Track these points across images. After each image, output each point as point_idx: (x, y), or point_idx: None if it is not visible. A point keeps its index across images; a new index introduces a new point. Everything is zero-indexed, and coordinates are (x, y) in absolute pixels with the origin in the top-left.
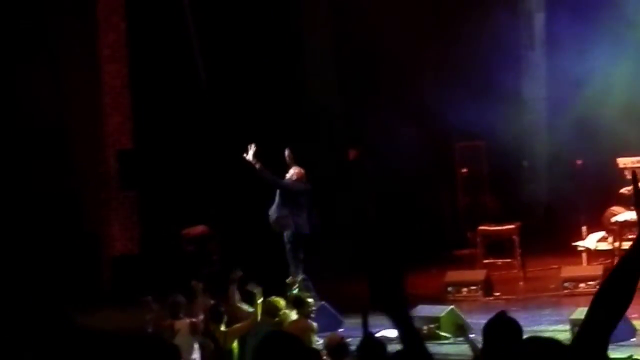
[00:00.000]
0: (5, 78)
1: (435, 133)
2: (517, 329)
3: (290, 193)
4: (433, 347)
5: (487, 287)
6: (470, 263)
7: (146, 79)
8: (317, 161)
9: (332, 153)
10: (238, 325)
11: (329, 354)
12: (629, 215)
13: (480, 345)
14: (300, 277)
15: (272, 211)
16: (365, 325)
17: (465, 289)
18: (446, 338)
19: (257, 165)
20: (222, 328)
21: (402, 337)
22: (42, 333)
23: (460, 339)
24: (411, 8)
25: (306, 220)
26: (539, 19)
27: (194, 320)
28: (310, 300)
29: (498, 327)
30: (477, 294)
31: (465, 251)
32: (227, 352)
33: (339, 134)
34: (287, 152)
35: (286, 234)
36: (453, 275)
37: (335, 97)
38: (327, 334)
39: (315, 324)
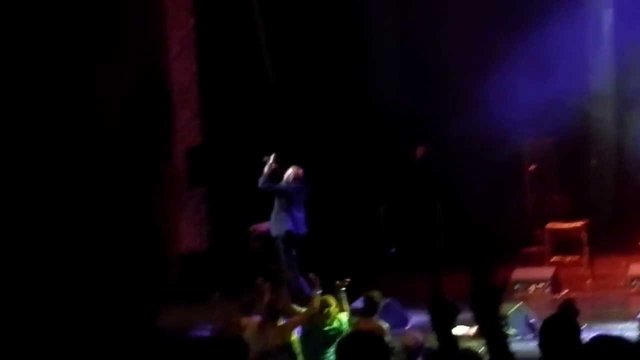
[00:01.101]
0: (73, 77)
1: (503, 130)
2: (575, 326)
3: (285, 195)
4: None
5: (555, 284)
6: (537, 261)
7: (214, 76)
8: (383, 160)
9: (398, 152)
10: (292, 319)
11: (405, 353)
12: None
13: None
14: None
15: (272, 217)
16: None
17: (532, 287)
18: (514, 335)
19: (274, 167)
20: (278, 323)
21: (486, 334)
22: (120, 332)
23: (528, 336)
24: (477, 3)
25: (303, 220)
26: (607, 16)
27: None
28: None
29: (556, 324)
30: (544, 292)
31: (533, 249)
32: (285, 345)
33: (405, 132)
34: (272, 158)
35: (280, 234)
36: (520, 273)
37: (401, 95)
38: (395, 331)
39: (386, 325)
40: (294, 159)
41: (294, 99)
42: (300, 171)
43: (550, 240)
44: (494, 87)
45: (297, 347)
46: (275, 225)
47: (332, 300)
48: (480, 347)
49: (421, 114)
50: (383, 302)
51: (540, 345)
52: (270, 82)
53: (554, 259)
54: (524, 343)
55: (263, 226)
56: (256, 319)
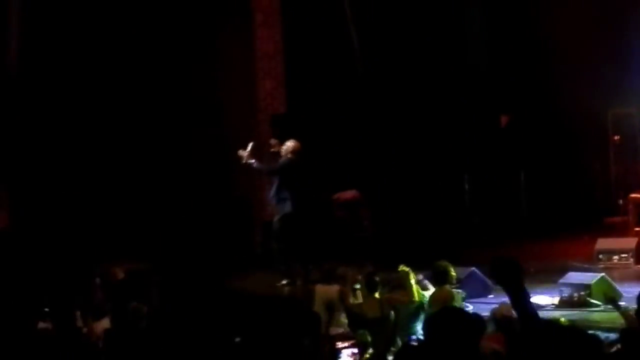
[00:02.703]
0: (162, 44)
1: (589, 100)
2: None
3: (285, 173)
4: (583, 314)
5: (639, 254)
6: (621, 231)
7: (298, 44)
8: (469, 129)
9: (483, 120)
10: (396, 295)
11: (497, 324)
12: None
13: (632, 312)
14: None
15: (272, 196)
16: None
17: (616, 257)
18: (597, 305)
19: (254, 164)
20: (377, 295)
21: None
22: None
23: (611, 306)
24: None
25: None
26: None
27: (342, 288)
28: (452, 272)
29: None
30: (628, 262)
31: (617, 219)
32: (384, 318)
33: (492, 101)
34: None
35: (281, 213)
36: (604, 243)
37: (489, 65)
38: (478, 300)
39: (460, 292)
40: (380, 129)
41: (378, 68)
42: (299, 144)
43: (634, 210)
44: (581, 58)
45: (392, 321)
46: (278, 206)
47: (412, 276)
48: (561, 318)
49: (507, 83)
50: (466, 271)
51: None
52: (354, 51)
53: (638, 228)
54: (606, 314)
55: (347, 194)
56: (335, 287)
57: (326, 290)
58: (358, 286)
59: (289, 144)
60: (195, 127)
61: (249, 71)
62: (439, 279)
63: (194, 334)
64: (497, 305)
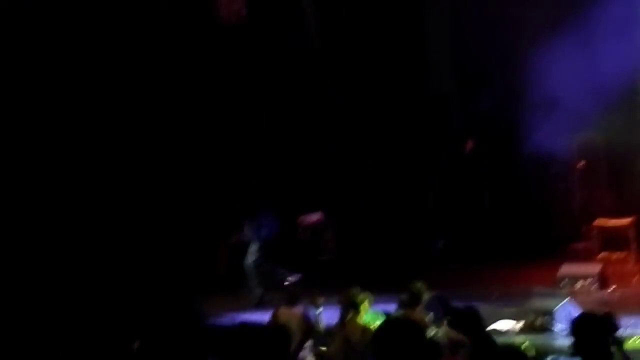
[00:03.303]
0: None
1: (554, 125)
2: (611, 326)
3: None
4: (546, 340)
5: (602, 280)
6: (585, 256)
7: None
8: (434, 152)
9: (448, 144)
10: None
11: (449, 348)
12: None
13: None
14: None
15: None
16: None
17: (579, 282)
18: (560, 331)
19: None
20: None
21: None
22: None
23: None
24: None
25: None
26: None
27: (306, 309)
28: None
29: (588, 324)
30: (592, 288)
31: (581, 245)
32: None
33: (455, 125)
34: None
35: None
36: (568, 268)
37: (453, 88)
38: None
39: (430, 315)
40: (344, 150)
41: (341, 88)
42: None
43: (598, 237)
44: (543, 82)
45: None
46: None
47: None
48: (524, 343)
49: (471, 107)
50: (430, 295)
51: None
52: (319, 70)
53: (602, 255)
54: (570, 339)
55: (312, 217)
56: (299, 310)
57: (289, 313)
58: (319, 310)
59: None
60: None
61: None
62: (412, 301)
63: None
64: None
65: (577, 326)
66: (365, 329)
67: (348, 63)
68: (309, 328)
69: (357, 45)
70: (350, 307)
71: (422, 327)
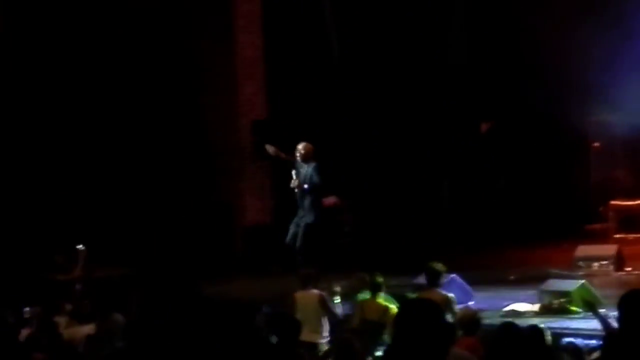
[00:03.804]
0: (143, 50)
1: (569, 107)
2: None
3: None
4: (563, 322)
5: (619, 261)
6: (602, 237)
7: (279, 49)
8: (450, 134)
9: (464, 126)
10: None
11: (462, 328)
12: None
13: (611, 320)
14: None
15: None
16: None
17: (596, 264)
18: (577, 313)
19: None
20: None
21: None
22: (171, 299)
23: (591, 313)
24: None
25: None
26: None
27: (322, 293)
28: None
29: (634, 299)
30: (608, 269)
31: (597, 226)
32: (381, 324)
33: (473, 107)
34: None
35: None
36: (584, 250)
37: (471, 70)
38: (458, 306)
39: (452, 295)
40: (361, 135)
41: (358, 72)
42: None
43: (614, 217)
44: (560, 63)
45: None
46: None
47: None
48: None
49: (487, 89)
50: (447, 276)
51: (620, 320)
52: (334, 55)
53: (618, 235)
54: (586, 320)
55: (328, 200)
56: (314, 293)
57: (305, 297)
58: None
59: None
60: (177, 132)
61: (229, 76)
62: (431, 280)
63: (172, 342)
64: (461, 310)
65: (626, 301)
66: (384, 309)
67: (364, 46)
68: (326, 309)
69: (374, 24)
70: (369, 288)
71: (440, 309)
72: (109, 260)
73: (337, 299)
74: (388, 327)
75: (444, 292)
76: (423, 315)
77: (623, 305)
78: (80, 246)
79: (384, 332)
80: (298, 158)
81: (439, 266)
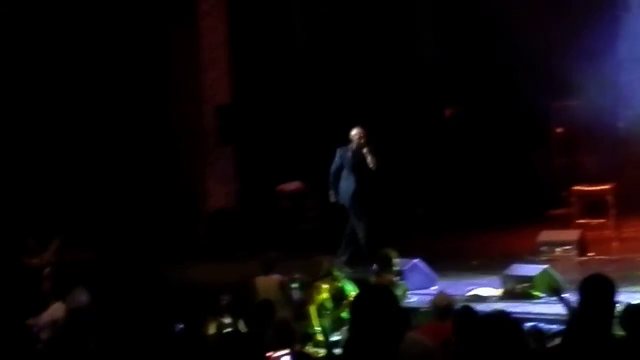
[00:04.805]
0: (105, 34)
1: (531, 92)
2: (612, 285)
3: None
4: (526, 307)
5: (581, 247)
6: (564, 223)
7: (244, 34)
8: (415, 118)
9: (429, 111)
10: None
11: (436, 313)
12: None
13: (574, 305)
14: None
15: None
16: None
17: (559, 249)
18: (539, 297)
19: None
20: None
21: None
22: (135, 285)
23: (554, 298)
24: None
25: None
26: None
27: (283, 278)
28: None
29: (594, 283)
30: (571, 254)
31: (560, 211)
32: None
33: (437, 92)
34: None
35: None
36: (547, 235)
37: (434, 55)
38: (421, 292)
39: (396, 279)
40: (323, 117)
41: (323, 58)
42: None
43: (577, 203)
44: (522, 50)
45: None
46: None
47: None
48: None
49: (451, 75)
50: (410, 262)
51: (580, 303)
52: (299, 39)
53: (581, 221)
54: (549, 305)
55: (292, 185)
56: (275, 277)
57: (266, 281)
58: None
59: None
60: (140, 117)
61: (193, 61)
62: (382, 266)
63: (133, 324)
64: (436, 295)
65: (586, 285)
66: (340, 294)
67: (329, 30)
68: (285, 294)
69: (338, 9)
70: (324, 274)
71: (394, 296)
72: (78, 244)
73: (296, 285)
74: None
75: (392, 278)
76: (377, 301)
77: (583, 289)
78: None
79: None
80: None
81: (390, 252)
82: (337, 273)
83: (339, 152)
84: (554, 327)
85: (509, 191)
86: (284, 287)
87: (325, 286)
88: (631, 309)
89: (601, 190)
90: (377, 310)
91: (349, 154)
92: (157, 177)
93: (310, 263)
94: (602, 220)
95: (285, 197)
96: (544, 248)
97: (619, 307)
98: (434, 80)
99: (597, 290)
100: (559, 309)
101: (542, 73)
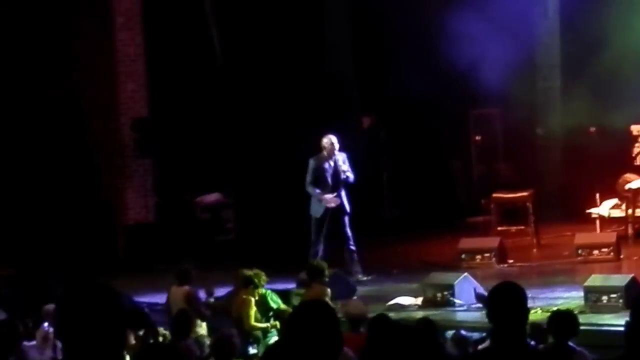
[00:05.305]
0: (20, 46)
1: (450, 101)
2: (522, 292)
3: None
4: (446, 315)
5: (501, 254)
6: (484, 230)
7: (160, 47)
8: (332, 129)
9: (347, 121)
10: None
11: (349, 321)
12: None
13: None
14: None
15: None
16: None
17: (479, 256)
18: (460, 305)
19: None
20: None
21: None
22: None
23: (474, 305)
24: None
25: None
26: None
27: (191, 289)
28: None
29: (503, 293)
30: (490, 261)
31: (480, 218)
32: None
33: (354, 102)
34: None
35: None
36: (467, 243)
37: (351, 65)
38: (341, 301)
39: (329, 290)
40: (242, 131)
41: (240, 70)
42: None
43: (496, 210)
44: (440, 58)
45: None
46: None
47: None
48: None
49: (369, 84)
50: (330, 271)
51: (488, 313)
52: (216, 52)
53: (500, 228)
54: (470, 313)
55: (210, 197)
56: (183, 289)
57: (176, 292)
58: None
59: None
60: (57, 130)
61: (110, 74)
62: (312, 276)
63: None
64: (348, 303)
65: (494, 294)
66: (243, 300)
67: (245, 42)
68: (191, 305)
69: (255, 23)
70: (242, 285)
71: (333, 310)
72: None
73: (212, 299)
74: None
75: (323, 287)
76: (318, 319)
77: (491, 298)
78: None
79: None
80: (333, 151)
81: (319, 263)
82: (259, 282)
83: (312, 162)
84: (474, 334)
85: (429, 199)
86: (189, 298)
87: (250, 297)
88: (557, 315)
89: (520, 197)
90: (317, 328)
91: (323, 162)
92: (75, 191)
93: (232, 274)
94: (521, 227)
95: (204, 209)
96: (464, 256)
97: (539, 313)
98: (353, 90)
99: (506, 299)
100: (478, 317)
101: (460, 81)
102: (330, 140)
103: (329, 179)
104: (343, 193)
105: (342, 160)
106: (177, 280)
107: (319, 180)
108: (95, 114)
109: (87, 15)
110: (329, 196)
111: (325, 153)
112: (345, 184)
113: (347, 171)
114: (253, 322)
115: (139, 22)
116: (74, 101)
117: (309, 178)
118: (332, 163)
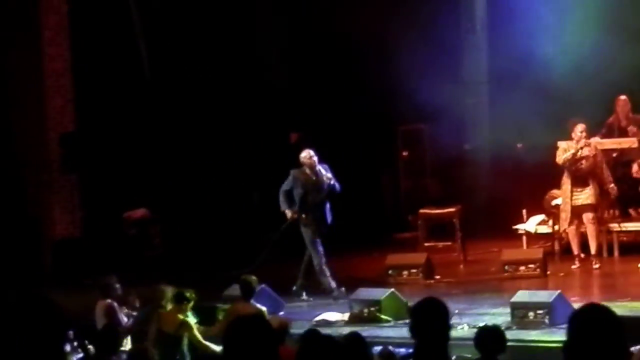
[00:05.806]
0: None
1: (378, 116)
2: (444, 310)
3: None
4: (373, 331)
5: (428, 270)
6: (411, 246)
7: (88, 62)
8: (260, 144)
9: (275, 136)
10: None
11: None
12: None
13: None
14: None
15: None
16: None
17: (405, 272)
18: (387, 321)
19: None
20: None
21: None
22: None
23: (401, 321)
24: None
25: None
26: (481, 1)
27: (111, 302)
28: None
29: (425, 308)
30: (417, 277)
31: (407, 234)
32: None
33: (282, 117)
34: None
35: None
36: (394, 259)
37: (280, 80)
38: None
39: (264, 308)
40: (167, 146)
41: (168, 84)
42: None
43: (423, 226)
44: (368, 73)
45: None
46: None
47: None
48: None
49: (296, 101)
50: (258, 287)
51: (412, 329)
52: (144, 66)
53: (428, 244)
54: (397, 329)
55: (138, 212)
56: (103, 302)
57: (99, 305)
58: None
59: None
60: None
61: (37, 89)
62: (246, 293)
63: None
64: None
65: (417, 310)
66: (181, 322)
67: (174, 56)
68: (110, 319)
69: (183, 34)
70: (175, 302)
71: (269, 324)
72: None
73: (135, 313)
74: (184, 340)
75: (257, 305)
76: (257, 334)
77: (414, 314)
78: None
79: (180, 345)
80: (314, 164)
81: (252, 279)
82: (191, 296)
83: (293, 173)
84: (401, 350)
85: (356, 215)
86: (108, 312)
87: (187, 319)
88: (484, 330)
89: (447, 213)
90: (255, 344)
91: (307, 176)
92: (1, 206)
93: (153, 290)
94: (448, 243)
95: (131, 224)
96: (391, 272)
97: (465, 329)
98: (279, 105)
99: (428, 314)
100: (405, 333)
101: (388, 97)
102: (309, 153)
103: (314, 192)
104: (328, 206)
105: (324, 170)
106: (100, 293)
107: (305, 193)
108: (22, 128)
109: (15, 29)
110: (288, 212)
111: (306, 169)
112: (332, 193)
113: (331, 179)
114: (204, 343)
115: (66, 37)
116: (1, 116)
117: (285, 187)
118: (314, 177)
